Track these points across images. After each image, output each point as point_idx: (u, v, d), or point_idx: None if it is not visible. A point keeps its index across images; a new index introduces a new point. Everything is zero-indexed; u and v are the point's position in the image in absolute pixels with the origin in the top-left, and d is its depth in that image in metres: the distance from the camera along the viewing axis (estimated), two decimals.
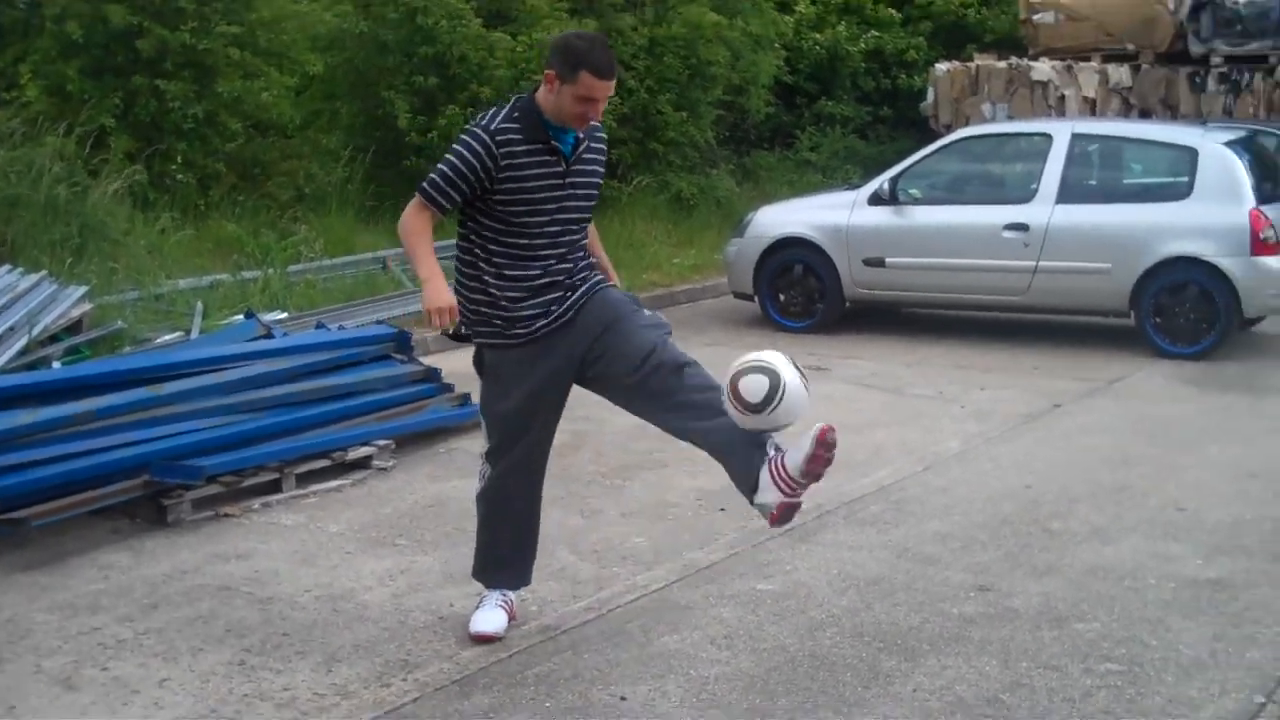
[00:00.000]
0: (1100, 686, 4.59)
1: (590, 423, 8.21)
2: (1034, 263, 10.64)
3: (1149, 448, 7.70)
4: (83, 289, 8.99)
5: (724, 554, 5.88)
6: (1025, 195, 10.90)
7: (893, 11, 22.37)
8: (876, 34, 22.05)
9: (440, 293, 4.65)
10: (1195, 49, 18.24)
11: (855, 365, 10.06)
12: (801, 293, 11.51)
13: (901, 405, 8.83)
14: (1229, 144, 10.56)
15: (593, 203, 4.88)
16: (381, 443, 7.37)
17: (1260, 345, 10.81)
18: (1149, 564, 5.78)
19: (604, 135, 4.95)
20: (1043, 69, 18.60)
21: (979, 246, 10.85)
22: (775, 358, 4.57)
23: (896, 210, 11.20)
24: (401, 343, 8.41)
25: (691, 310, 12.75)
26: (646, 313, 4.88)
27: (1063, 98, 18.48)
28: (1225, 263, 10.12)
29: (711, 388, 4.64)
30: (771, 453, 4.60)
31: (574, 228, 4.80)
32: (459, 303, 4.79)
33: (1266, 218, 10.15)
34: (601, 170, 4.92)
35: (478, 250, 4.78)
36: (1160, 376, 9.68)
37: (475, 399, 8.29)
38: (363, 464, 7.23)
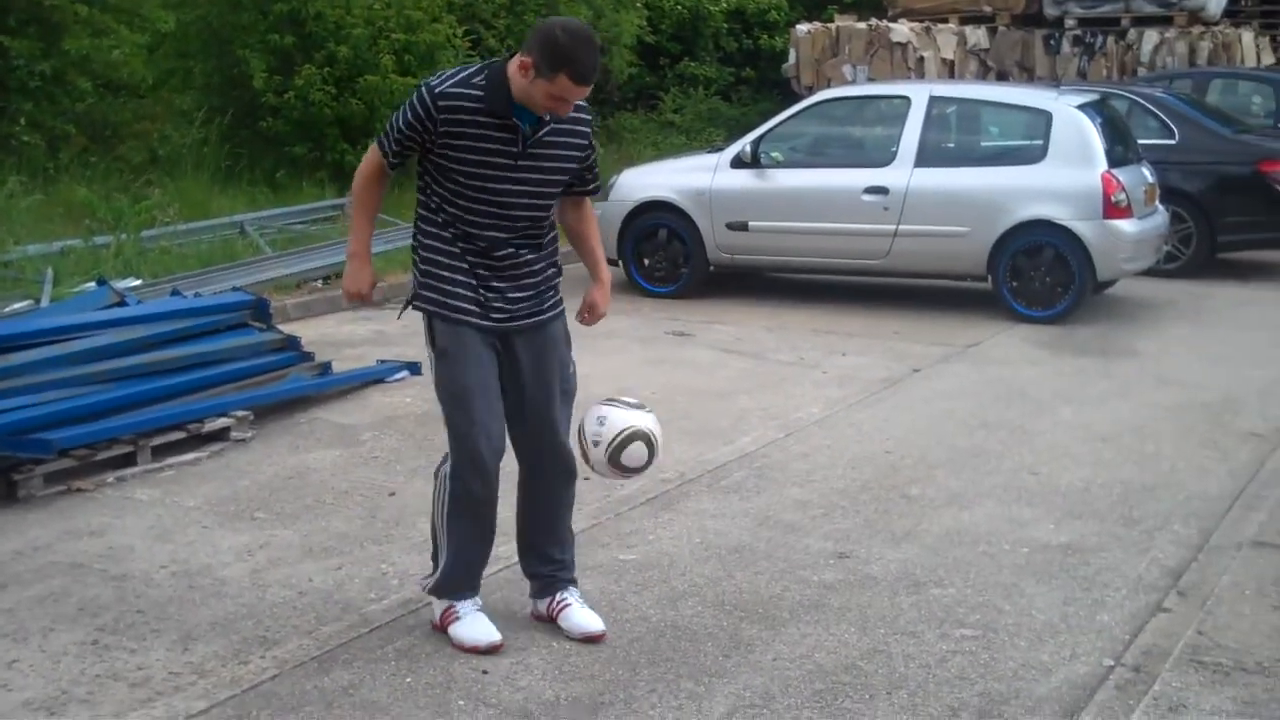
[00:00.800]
0: (955, 652, 4.67)
1: None
2: (894, 226, 10.74)
3: (1005, 412, 7.85)
4: None
5: (587, 524, 5.87)
6: (885, 159, 10.97)
7: None
8: None
9: (355, 276, 4.73)
10: (1050, 11, 18.60)
11: (718, 330, 10.10)
12: (665, 257, 11.49)
13: (764, 371, 8.89)
14: (1082, 107, 10.70)
15: (554, 189, 4.61)
16: (239, 413, 7.25)
17: (1113, 309, 11.05)
18: (1004, 529, 5.90)
19: (586, 119, 4.64)
20: (902, 30, 18.83)
21: (840, 210, 10.91)
22: (642, 418, 4.68)
23: (758, 173, 11.21)
24: (260, 310, 8.26)
25: None
26: (570, 368, 4.76)
27: (922, 60, 18.73)
28: (1078, 226, 10.30)
29: (568, 504, 4.86)
30: (563, 595, 4.86)
31: (525, 212, 4.54)
32: (413, 261, 4.70)
33: (1119, 181, 10.33)
34: (575, 156, 4.60)
35: (426, 211, 4.64)
36: (1017, 340, 9.86)
37: (337, 367, 8.29)
38: (220, 435, 7.10)
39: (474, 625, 4.72)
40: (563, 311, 4.75)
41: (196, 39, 15.08)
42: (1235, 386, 8.46)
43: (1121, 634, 4.84)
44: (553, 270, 4.72)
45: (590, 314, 4.91)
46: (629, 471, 4.73)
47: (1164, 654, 4.64)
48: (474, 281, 4.58)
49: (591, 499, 6.21)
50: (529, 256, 4.62)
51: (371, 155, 4.64)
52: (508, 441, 4.71)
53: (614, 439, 4.61)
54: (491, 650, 4.65)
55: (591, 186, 4.81)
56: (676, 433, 7.35)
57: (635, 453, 4.64)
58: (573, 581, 4.90)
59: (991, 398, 8.17)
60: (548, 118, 4.47)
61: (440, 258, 4.60)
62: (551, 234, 4.71)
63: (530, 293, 4.64)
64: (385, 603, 5.07)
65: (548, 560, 4.87)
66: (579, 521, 5.88)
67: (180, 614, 4.99)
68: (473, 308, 4.58)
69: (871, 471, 6.72)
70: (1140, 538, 5.82)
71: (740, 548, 5.66)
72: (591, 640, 4.73)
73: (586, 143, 4.65)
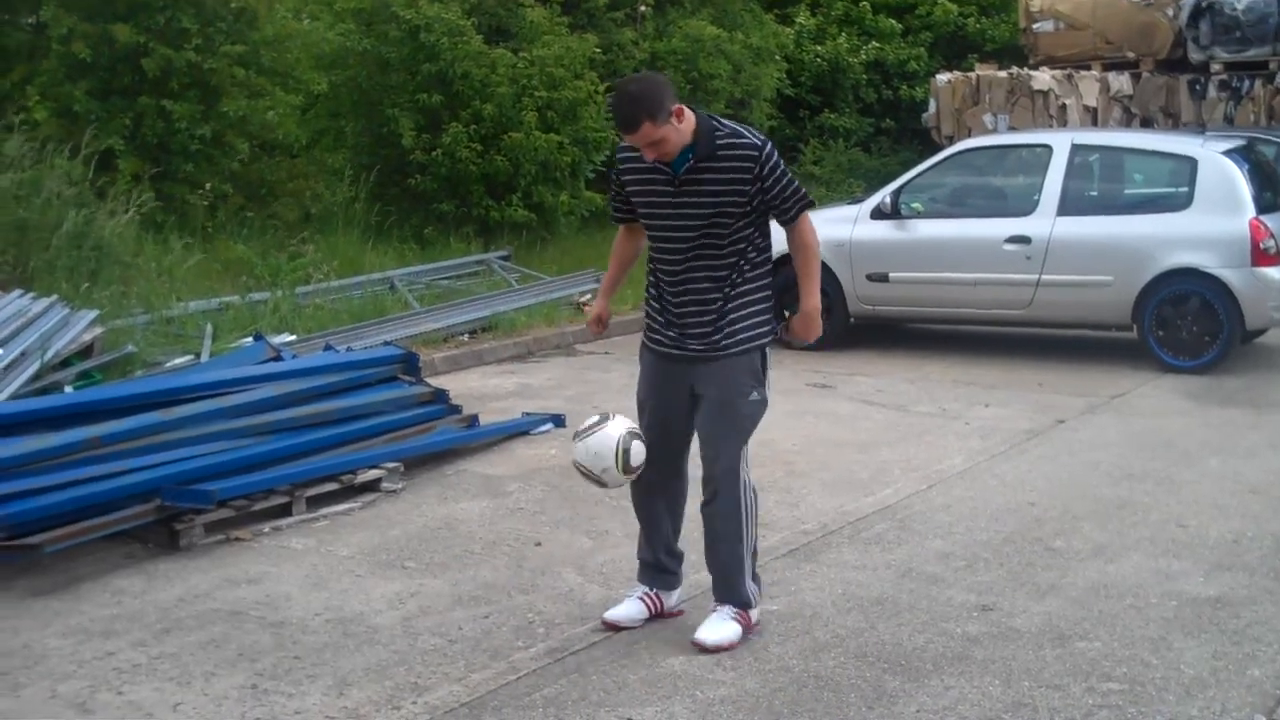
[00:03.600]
0: (1101, 706, 4.65)
1: None
2: (1036, 276, 10.68)
3: (1151, 463, 7.76)
4: (94, 313, 9.09)
5: None
6: (1027, 207, 10.93)
7: (893, 22, 22.47)
8: (877, 45, 22.15)
9: (594, 307, 5.65)
10: (1195, 56, 18.30)
11: (859, 382, 10.12)
12: None
13: (905, 423, 8.89)
14: (1228, 153, 10.55)
15: (721, 220, 5.03)
16: (390, 465, 7.43)
17: (1262, 358, 10.86)
18: (1151, 581, 5.84)
19: (750, 154, 5.00)
20: (1043, 78, 18.66)
21: (981, 260, 10.89)
22: (614, 427, 5.16)
23: (899, 224, 11.23)
24: (409, 364, 8.47)
25: None
26: (753, 397, 5.19)
27: (1064, 107, 18.53)
28: (1226, 274, 10.15)
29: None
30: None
31: (689, 247, 5.07)
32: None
33: (1267, 228, 10.16)
34: (734, 190, 4.99)
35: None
36: (1163, 391, 9.73)
37: (483, 420, 8.45)
38: (372, 486, 7.29)
39: (622, 603, 5.47)
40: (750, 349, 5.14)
41: (347, 99, 15.53)
42: None
43: (1273, 689, 4.77)
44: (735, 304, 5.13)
45: (793, 334, 5.35)
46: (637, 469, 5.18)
47: None
48: (652, 308, 5.26)
49: None
50: (704, 283, 5.11)
51: None
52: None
53: (615, 456, 5.10)
54: (606, 626, 5.37)
55: (794, 211, 5.11)
56: (817, 484, 7.41)
57: (636, 450, 5.12)
58: (722, 600, 5.30)
59: (1137, 449, 8.08)
60: (701, 156, 4.97)
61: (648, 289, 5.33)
62: (741, 266, 5.11)
63: (704, 319, 5.12)
64: (533, 650, 5.17)
65: None
66: None
67: (335, 660, 5.14)
68: (652, 331, 5.29)
69: (1015, 523, 6.69)
70: None
71: (882, 599, 5.67)
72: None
73: (751, 175, 4.98)
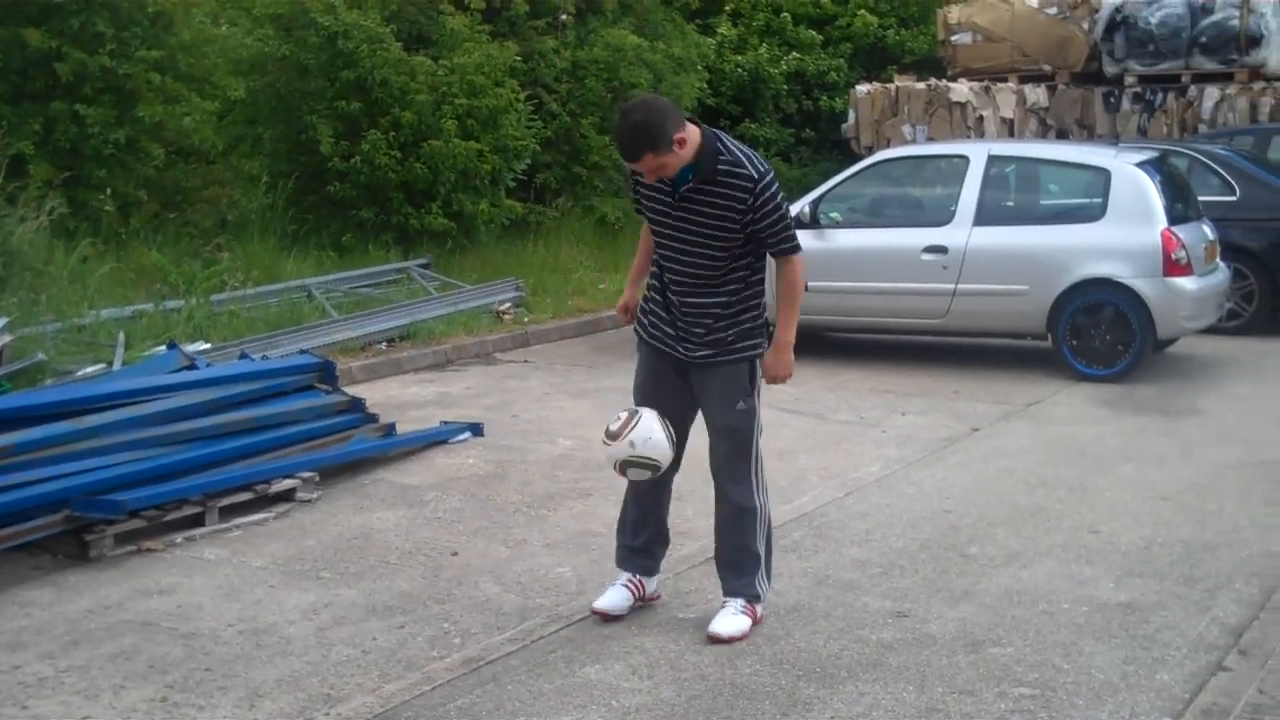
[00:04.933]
0: (1014, 711, 4.68)
1: (514, 452, 8.28)
2: (953, 285, 10.77)
3: (1065, 470, 7.84)
4: (3, 320, 8.93)
5: None
6: (944, 217, 11.01)
7: (813, 33, 22.60)
8: (798, 56, 22.27)
9: (623, 296, 5.79)
10: (1109, 69, 18.58)
11: (777, 390, 9.94)
12: None
13: (823, 430, 8.93)
14: (1141, 165, 10.68)
15: (712, 243, 5.17)
16: (305, 475, 7.36)
17: (1174, 367, 11.01)
18: (1063, 587, 5.90)
19: (743, 184, 5.11)
20: (961, 90, 18.87)
21: (899, 270, 10.97)
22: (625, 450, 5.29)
23: (818, 234, 11.25)
24: (326, 372, 8.41)
25: (618, 336, 12.80)
26: (740, 407, 5.37)
27: (981, 118, 18.75)
28: (1139, 284, 10.29)
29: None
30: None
31: (687, 259, 5.24)
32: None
33: (1179, 239, 10.31)
34: (727, 217, 5.12)
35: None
36: (1077, 399, 9.85)
37: (401, 429, 8.40)
38: (286, 496, 7.22)
39: (607, 591, 5.62)
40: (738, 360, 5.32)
41: (265, 105, 15.36)
42: None
43: (1181, 693, 4.84)
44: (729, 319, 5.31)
45: (765, 375, 5.46)
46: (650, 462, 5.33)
47: (1224, 713, 4.64)
48: (650, 304, 5.47)
49: None
50: (698, 296, 5.28)
51: None
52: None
53: (668, 436, 5.31)
54: (595, 614, 5.53)
55: (780, 247, 5.25)
56: None
57: (669, 430, 5.32)
58: (732, 593, 5.46)
59: (1051, 456, 8.16)
60: (690, 177, 5.13)
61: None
62: (732, 289, 5.27)
63: (697, 327, 5.31)
64: (448, 661, 5.14)
65: None
66: None
67: (247, 671, 5.08)
68: (647, 325, 5.52)
69: (930, 530, 6.74)
70: (1201, 596, 5.80)
71: (799, 606, 5.69)
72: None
73: (744, 206, 5.11)
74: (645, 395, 5.46)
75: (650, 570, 5.65)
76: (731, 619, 5.35)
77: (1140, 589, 5.88)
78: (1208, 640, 5.32)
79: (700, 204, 5.15)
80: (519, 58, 16.07)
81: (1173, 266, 10.26)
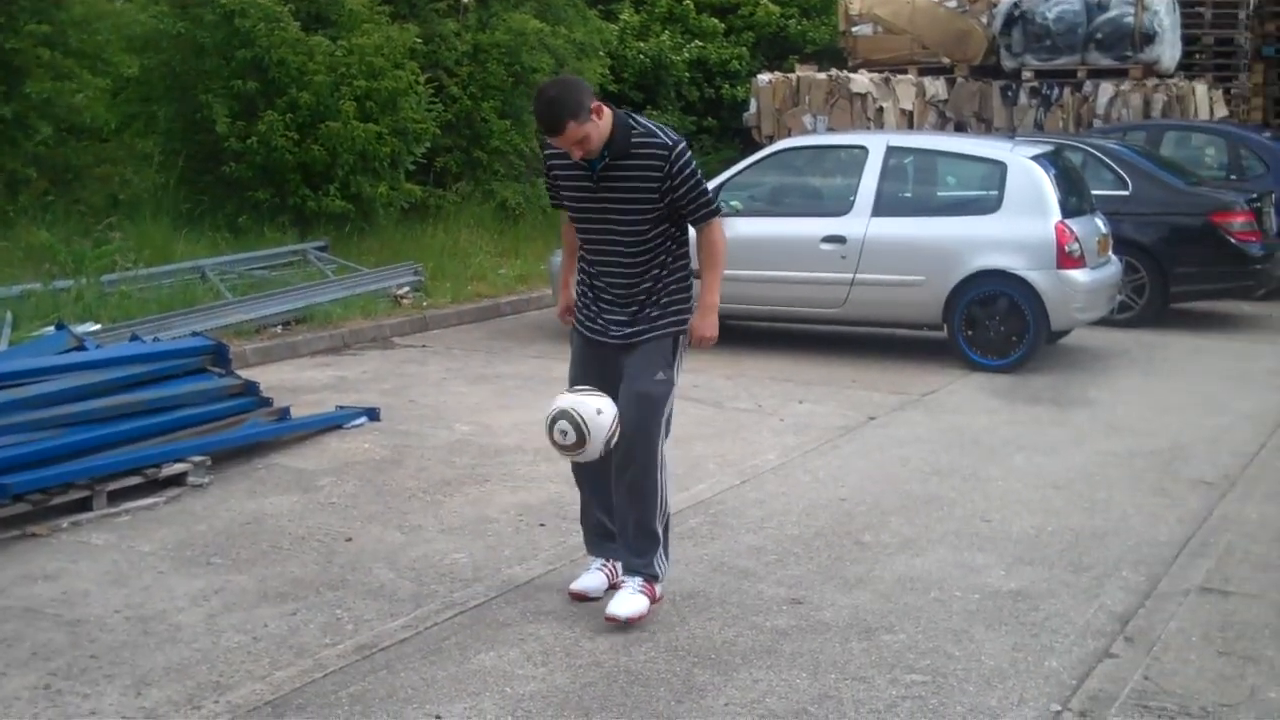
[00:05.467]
0: (905, 697, 4.72)
1: (411, 437, 8.21)
2: (851, 275, 10.83)
3: (959, 459, 7.93)
4: None
5: (542, 569, 5.92)
6: (842, 207, 11.07)
7: (716, 21, 22.69)
8: (700, 44, 22.34)
9: (560, 300, 5.79)
10: (1007, 63, 18.83)
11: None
12: None
13: (721, 418, 8.95)
14: (1036, 158, 10.81)
15: (635, 217, 5.24)
16: (197, 459, 7.25)
17: (1066, 358, 11.17)
18: (955, 575, 5.96)
19: (660, 154, 5.18)
20: (861, 81, 19.00)
21: (797, 259, 11.01)
22: (567, 400, 5.30)
23: None
24: (219, 355, 8.28)
25: (517, 322, 12.78)
26: (659, 377, 5.40)
27: (881, 109, 18.90)
28: (1032, 276, 10.41)
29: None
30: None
31: (611, 238, 5.30)
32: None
33: (1072, 231, 10.45)
34: (645, 187, 5.19)
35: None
36: (971, 389, 9.95)
37: (295, 413, 8.30)
38: (177, 481, 7.10)
39: (582, 575, 5.65)
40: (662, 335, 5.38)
41: (160, 84, 15.08)
42: (1185, 435, 8.57)
43: (1069, 679, 4.90)
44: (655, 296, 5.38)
45: (691, 338, 5.49)
46: (563, 449, 5.33)
47: (1111, 699, 4.71)
48: (582, 297, 5.52)
49: (548, 545, 6.25)
50: (624, 276, 5.35)
51: None
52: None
53: (613, 425, 5.27)
54: (574, 597, 5.56)
55: (699, 213, 5.32)
56: None
57: (560, 429, 5.26)
58: (631, 571, 5.46)
59: (945, 445, 8.24)
60: (605, 155, 5.18)
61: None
62: (660, 260, 5.35)
63: (624, 309, 5.39)
64: (340, 648, 5.09)
65: None
66: (534, 568, 5.96)
67: (134, 659, 4.99)
68: (582, 318, 5.55)
69: (826, 518, 6.77)
70: (1089, 584, 5.89)
71: (694, 593, 5.70)
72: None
73: (661, 174, 5.18)
74: (578, 384, 5.47)
75: (616, 554, 5.62)
76: (629, 599, 5.34)
77: (1030, 576, 5.96)
78: (1095, 627, 5.40)
79: (619, 179, 5.21)
80: (419, 40, 15.95)
81: (1066, 259, 10.39)
